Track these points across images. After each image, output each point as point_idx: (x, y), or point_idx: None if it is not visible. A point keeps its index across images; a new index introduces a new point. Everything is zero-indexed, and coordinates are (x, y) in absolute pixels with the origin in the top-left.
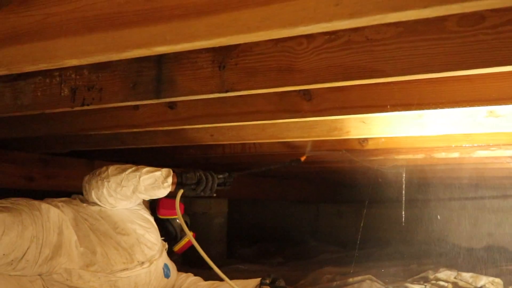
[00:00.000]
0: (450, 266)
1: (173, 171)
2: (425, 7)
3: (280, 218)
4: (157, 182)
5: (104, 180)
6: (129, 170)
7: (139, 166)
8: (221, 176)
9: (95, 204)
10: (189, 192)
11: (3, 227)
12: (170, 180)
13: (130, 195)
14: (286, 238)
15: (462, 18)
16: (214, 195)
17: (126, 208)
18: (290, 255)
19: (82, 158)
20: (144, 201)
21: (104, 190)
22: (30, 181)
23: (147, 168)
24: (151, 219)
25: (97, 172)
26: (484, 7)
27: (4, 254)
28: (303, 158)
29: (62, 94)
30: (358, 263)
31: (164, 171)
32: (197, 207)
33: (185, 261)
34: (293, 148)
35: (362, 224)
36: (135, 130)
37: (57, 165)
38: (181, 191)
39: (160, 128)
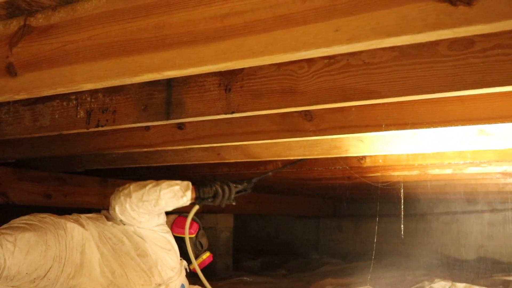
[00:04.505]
0: (444, 277)
1: (193, 184)
2: (418, 32)
3: (284, 232)
4: (176, 196)
5: (127, 196)
6: (150, 186)
7: (159, 181)
8: (239, 186)
9: (120, 222)
10: (209, 203)
11: (28, 247)
12: (189, 194)
13: (152, 209)
14: (289, 251)
15: (453, 42)
16: (234, 203)
17: (150, 228)
18: (293, 267)
19: (96, 176)
20: (167, 221)
21: (127, 205)
22: (48, 198)
23: (167, 182)
24: (173, 241)
25: (120, 189)
26: (474, 32)
27: (27, 273)
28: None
29: (78, 116)
30: (357, 274)
31: (183, 185)
32: (205, 222)
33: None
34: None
35: (373, 238)
36: (146, 149)
37: (73, 183)
38: (195, 208)
39: (170, 148)
